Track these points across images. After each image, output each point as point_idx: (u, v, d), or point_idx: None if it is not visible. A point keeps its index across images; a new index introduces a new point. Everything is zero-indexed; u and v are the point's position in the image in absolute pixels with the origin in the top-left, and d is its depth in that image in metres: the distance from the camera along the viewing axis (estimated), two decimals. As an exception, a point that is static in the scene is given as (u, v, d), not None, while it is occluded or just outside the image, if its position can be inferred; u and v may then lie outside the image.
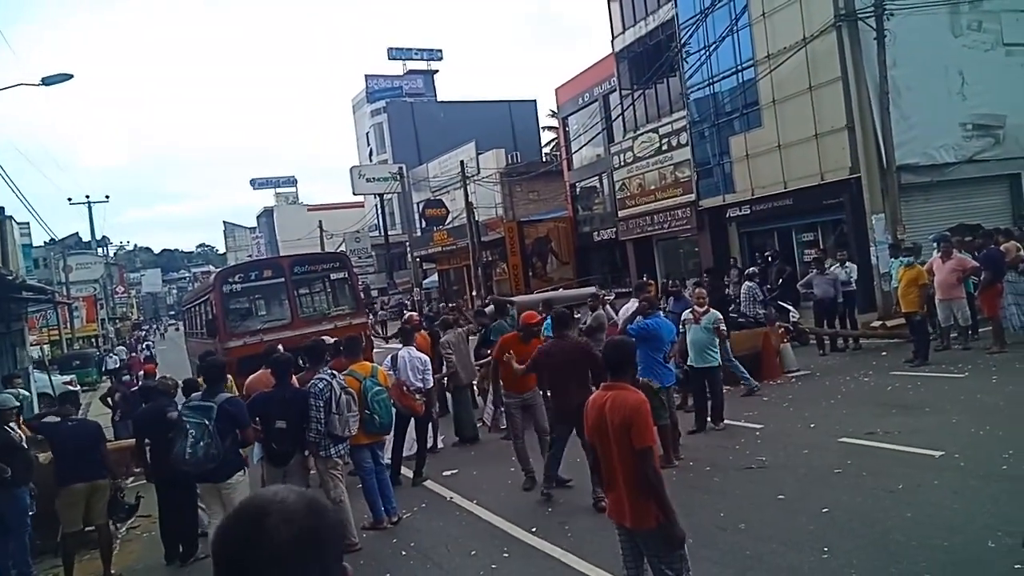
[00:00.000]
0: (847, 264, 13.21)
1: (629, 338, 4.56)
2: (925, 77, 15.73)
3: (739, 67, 18.99)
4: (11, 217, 20.17)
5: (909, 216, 15.36)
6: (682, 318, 8.64)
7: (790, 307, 14.13)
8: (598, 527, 5.81)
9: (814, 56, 16.65)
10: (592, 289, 12.74)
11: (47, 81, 17.16)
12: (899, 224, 14.84)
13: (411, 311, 17.17)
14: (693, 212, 21.13)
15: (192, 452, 5.81)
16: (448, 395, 11.22)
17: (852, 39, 14.78)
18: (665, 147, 22.09)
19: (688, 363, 8.57)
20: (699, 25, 19.00)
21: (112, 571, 6.82)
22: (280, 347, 8.67)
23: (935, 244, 13.29)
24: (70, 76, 17.59)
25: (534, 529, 6.34)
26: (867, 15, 14.47)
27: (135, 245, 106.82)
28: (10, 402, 7.14)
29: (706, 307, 8.83)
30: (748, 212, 19.54)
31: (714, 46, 18.88)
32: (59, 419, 7.12)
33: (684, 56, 20.51)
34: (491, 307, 12.63)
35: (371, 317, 17.66)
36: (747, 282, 14.79)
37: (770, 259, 17.93)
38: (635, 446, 3.60)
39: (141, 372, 14.62)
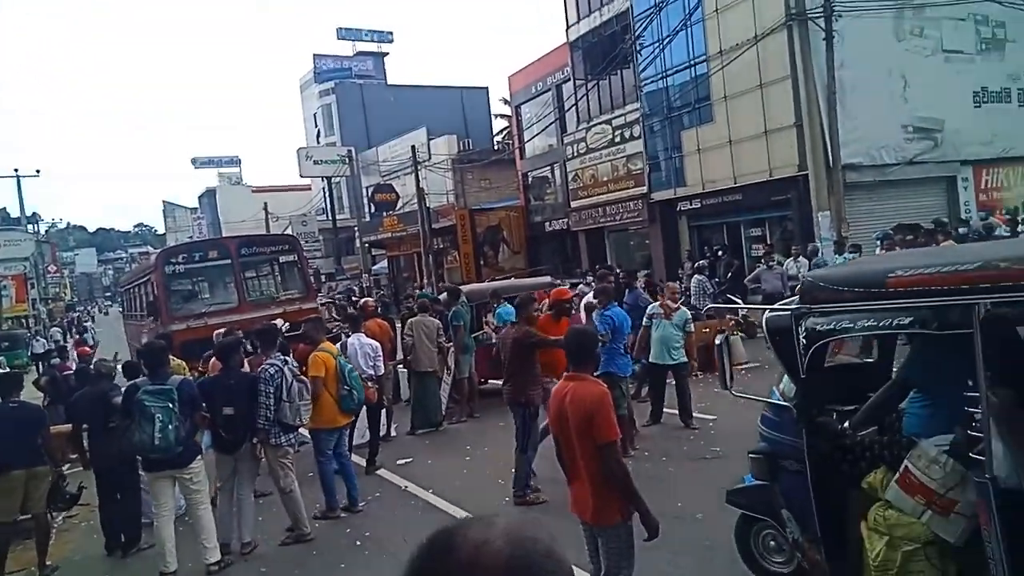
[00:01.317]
0: (800, 259, 13.55)
1: (591, 327, 4.51)
2: (870, 79, 16.21)
3: (692, 62, 19.22)
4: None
5: (853, 214, 15.88)
6: (649, 312, 8.59)
7: (738, 300, 14.43)
8: (560, 519, 5.77)
9: (765, 54, 16.96)
10: (548, 279, 12.75)
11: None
12: (843, 222, 15.33)
13: (366, 297, 16.86)
14: (645, 204, 21.36)
15: (162, 437, 5.57)
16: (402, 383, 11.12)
17: (802, 38, 15.15)
18: (618, 139, 22.24)
19: (651, 359, 8.51)
20: (653, 18, 19.12)
21: (48, 562, 6.52)
22: (240, 331, 8.40)
23: (879, 241, 13.78)
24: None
25: (492, 518, 6.31)
26: (817, 15, 14.84)
27: (68, 223, 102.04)
28: None
29: (678, 304, 8.80)
30: (699, 206, 19.85)
31: (668, 40, 19.04)
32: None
33: (638, 48, 20.66)
34: (444, 295, 12.54)
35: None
36: (697, 275, 15.07)
37: (719, 253, 18.29)
38: (597, 441, 3.50)
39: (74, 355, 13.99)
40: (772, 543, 4.41)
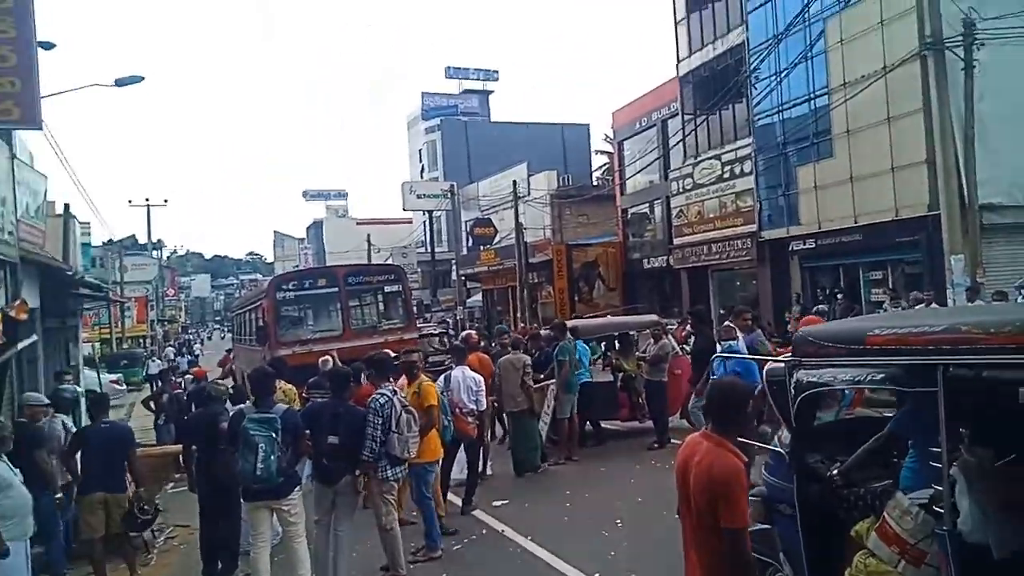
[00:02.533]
0: (932, 306, 12.41)
1: (745, 382, 3.88)
2: (1014, 112, 14.85)
3: (811, 95, 18.34)
4: (74, 216, 20.45)
5: (990, 259, 14.52)
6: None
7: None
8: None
9: (894, 85, 15.95)
10: (653, 317, 12.19)
11: (120, 83, 17.37)
12: (979, 266, 14.02)
13: (468, 330, 16.75)
14: (753, 243, 20.41)
15: (264, 467, 5.45)
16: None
17: (938, 69, 14.08)
18: (727, 175, 21.46)
19: None
20: (771, 51, 18.47)
21: None
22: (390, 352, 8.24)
23: (1019, 290, 12.50)
24: (141, 78, 17.80)
25: (597, 575, 5.81)
26: (955, 44, 13.79)
27: (187, 250, 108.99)
28: (35, 399, 6.99)
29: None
30: (813, 246, 18.76)
31: (785, 72, 18.32)
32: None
33: (752, 82, 19.98)
34: (546, 331, 12.21)
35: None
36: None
37: (837, 296, 17.16)
38: (722, 523, 2.91)
39: (190, 376, 14.49)
40: None
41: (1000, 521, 3.16)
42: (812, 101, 18.37)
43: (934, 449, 3.28)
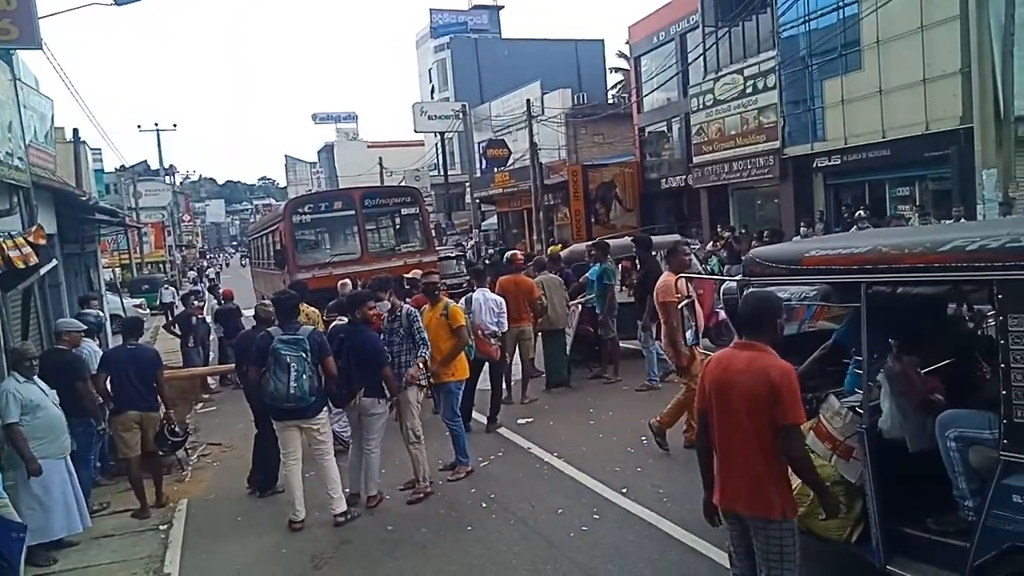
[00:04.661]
0: (962, 221, 12.15)
1: (774, 293, 4.01)
2: (1056, 19, 14.11)
3: (841, 3, 17.48)
4: (84, 142, 20.22)
5: (1023, 174, 14.10)
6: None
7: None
8: (697, 495, 5.34)
9: (929, -8, 15.20)
10: (676, 237, 12.05)
11: (119, 1, 16.86)
12: (1012, 181, 13.63)
13: (514, 250, 16.43)
14: (776, 160, 19.93)
15: (297, 386, 5.54)
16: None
17: (977, -27, 13.33)
18: (750, 90, 20.75)
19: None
20: (797, -44, 17.53)
21: (164, 494, 6.80)
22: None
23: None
24: (141, -4, 17.23)
25: (624, 490, 5.92)
26: (997, -55, 12.99)
27: (200, 175, 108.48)
28: (72, 325, 6.94)
29: None
30: (838, 162, 18.30)
31: (813, -21, 17.44)
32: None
33: (778, -10, 19.08)
34: (565, 252, 12.13)
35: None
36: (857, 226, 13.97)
37: (861, 214, 16.83)
38: (781, 421, 3.05)
39: (214, 300, 14.53)
40: None
41: (915, 421, 3.67)
42: (841, 10, 17.53)
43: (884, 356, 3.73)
